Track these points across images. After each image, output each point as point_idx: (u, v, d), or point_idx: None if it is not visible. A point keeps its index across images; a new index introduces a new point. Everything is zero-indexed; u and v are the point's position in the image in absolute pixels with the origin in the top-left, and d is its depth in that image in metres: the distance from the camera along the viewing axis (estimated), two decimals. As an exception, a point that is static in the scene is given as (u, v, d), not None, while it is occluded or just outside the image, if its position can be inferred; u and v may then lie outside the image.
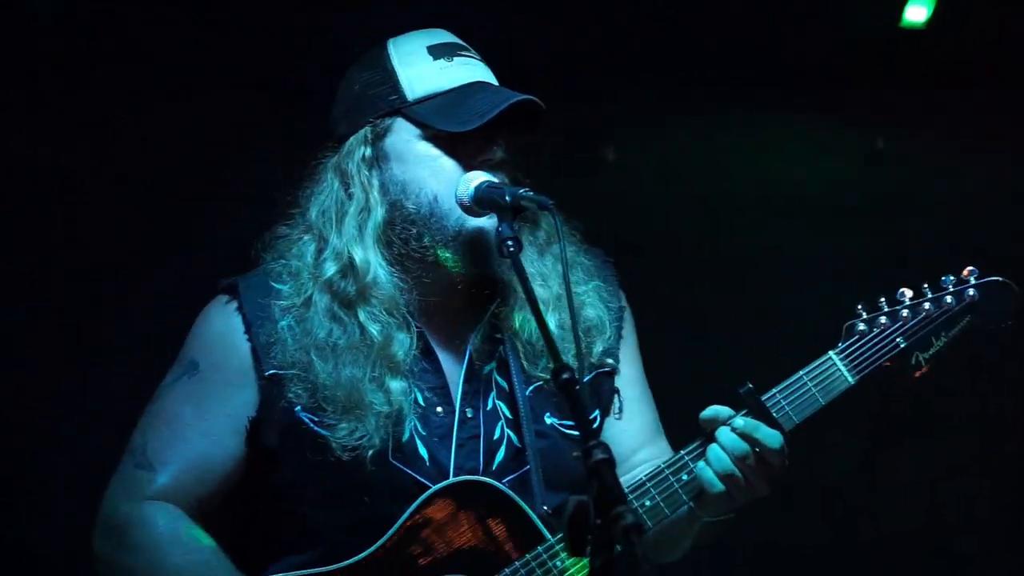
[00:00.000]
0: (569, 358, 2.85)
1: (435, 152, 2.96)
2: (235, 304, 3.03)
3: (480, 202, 2.89)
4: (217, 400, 2.98)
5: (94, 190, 4.59)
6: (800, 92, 4.93)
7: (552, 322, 2.97)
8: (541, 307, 2.92)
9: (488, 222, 2.92)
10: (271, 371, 2.95)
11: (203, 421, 2.97)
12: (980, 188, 5.00)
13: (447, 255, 2.94)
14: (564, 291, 2.88)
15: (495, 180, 2.90)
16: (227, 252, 3.11)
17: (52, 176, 4.57)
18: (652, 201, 4.96)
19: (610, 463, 2.22)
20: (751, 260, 4.90)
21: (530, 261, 3.00)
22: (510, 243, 2.75)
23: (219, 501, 2.99)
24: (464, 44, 3.07)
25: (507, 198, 2.82)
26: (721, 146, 5.04)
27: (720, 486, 2.83)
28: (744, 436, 2.83)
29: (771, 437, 2.84)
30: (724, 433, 2.84)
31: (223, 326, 3.02)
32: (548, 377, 2.98)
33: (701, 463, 2.85)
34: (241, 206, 3.06)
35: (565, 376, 2.42)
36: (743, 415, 2.86)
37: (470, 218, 2.92)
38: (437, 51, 3.02)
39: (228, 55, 4.57)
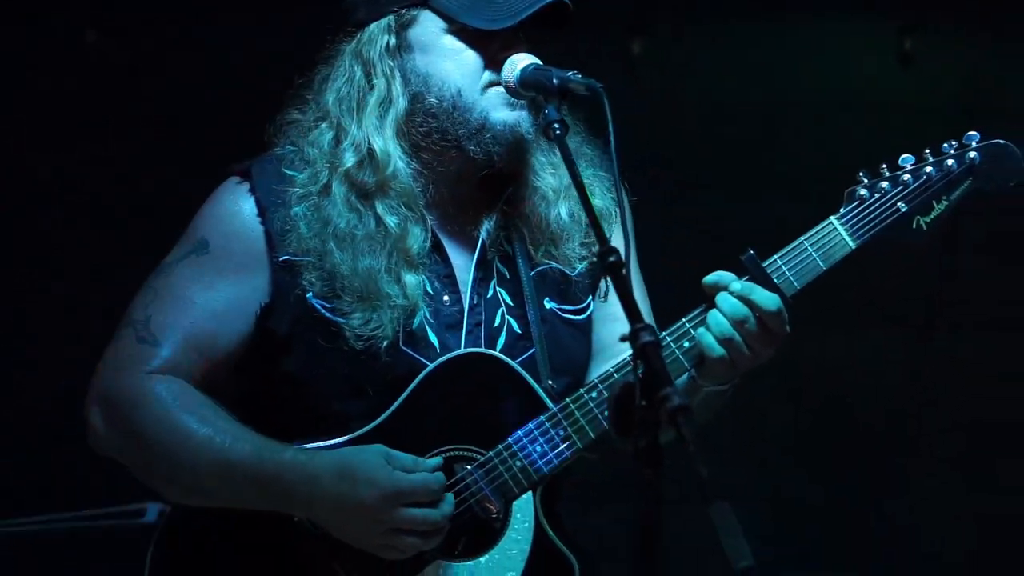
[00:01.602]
0: (574, 247, 2.99)
1: (460, 46, 2.95)
2: (247, 186, 3.00)
3: (526, 84, 2.88)
4: (227, 280, 2.95)
5: (94, 189, 4.58)
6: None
7: (563, 211, 3.01)
8: (552, 195, 3.01)
9: (512, 115, 2.93)
10: (285, 257, 2.94)
11: (211, 300, 2.95)
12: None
13: (471, 147, 2.93)
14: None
15: (541, 63, 2.89)
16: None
17: (52, 176, 4.56)
18: (677, 102, 5.02)
19: (656, 346, 2.22)
20: (776, 164, 4.94)
21: (542, 150, 3.01)
22: (556, 126, 2.74)
23: (221, 378, 2.97)
24: None
25: (554, 81, 2.80)
26: (750, 49, 5.11)
27: (720, 350, 2.83)
28: (742, 299, 2.83)
29: (768, 300, 2.83)
30: (723, 297, 2.85)
31: (236, 208, 2.99)
32: (551, 263, 3.02)
33: (702, 328, 2.87)
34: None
35: (612, 259, 2.41)
36: (743, 280, 2.87)
37: (492, 112, 2.92)
38: None
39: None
